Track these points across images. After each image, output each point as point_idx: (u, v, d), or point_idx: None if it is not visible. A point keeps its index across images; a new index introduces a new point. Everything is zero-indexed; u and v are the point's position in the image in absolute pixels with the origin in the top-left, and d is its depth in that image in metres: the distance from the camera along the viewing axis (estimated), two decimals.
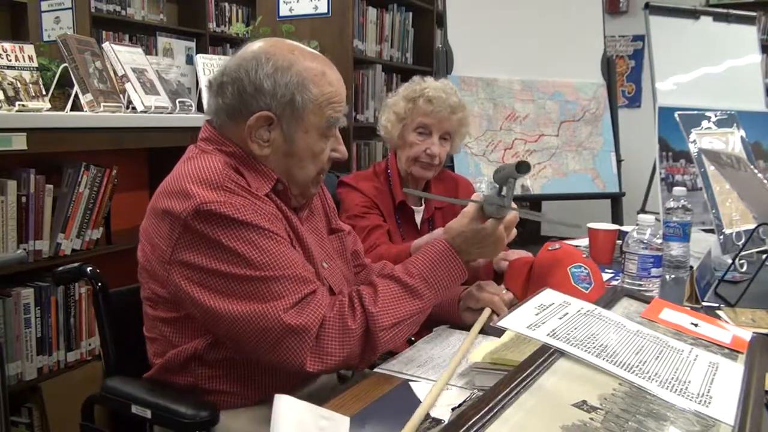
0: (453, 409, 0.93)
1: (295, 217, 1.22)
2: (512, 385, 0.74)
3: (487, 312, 1.30)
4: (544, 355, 0.83)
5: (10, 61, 2.01)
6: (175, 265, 1.08)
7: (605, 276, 1.70)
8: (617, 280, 1.64)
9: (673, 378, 0.83)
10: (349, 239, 1.43)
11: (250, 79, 1.12)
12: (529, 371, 0.78)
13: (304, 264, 1.13)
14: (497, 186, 1.21)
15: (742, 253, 1.68)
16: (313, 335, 1.06)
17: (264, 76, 1.11)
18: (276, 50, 1.14)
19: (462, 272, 1.20)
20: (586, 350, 0.85)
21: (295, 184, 1.20)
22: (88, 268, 1.31)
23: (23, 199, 1.93)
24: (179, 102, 2.44)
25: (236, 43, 4.89)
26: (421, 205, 1.91)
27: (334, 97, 1.15)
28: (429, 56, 4.11)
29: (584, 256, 1.43)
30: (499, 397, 0.72)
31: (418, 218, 1.89)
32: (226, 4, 5.44)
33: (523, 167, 1.14)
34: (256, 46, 1.16)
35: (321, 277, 1.21)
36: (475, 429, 0.66)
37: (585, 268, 1.38)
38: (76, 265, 1.33)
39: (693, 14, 3.23)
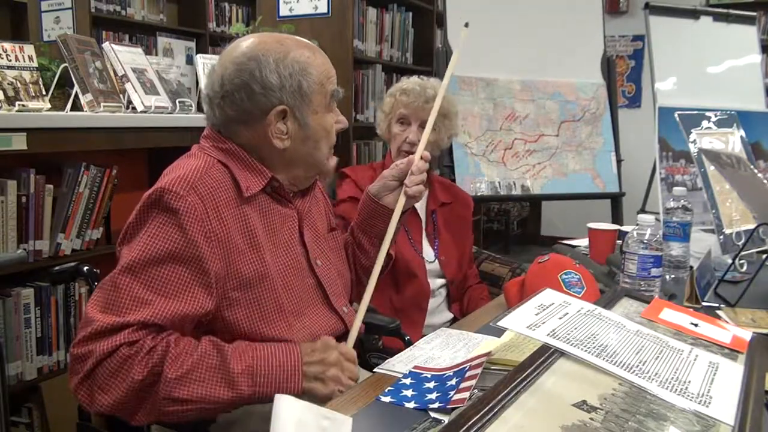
0: (453, 409, 0.93)
1: (293, 211, 1.24)
2: (512, 385, 0.74)
3: (403, 198, 1.35)
4: (544, 355, 0.83)
5: (10, 61, 2.01)
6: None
7: None
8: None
9: (673, 378, 0.83)
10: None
11: (257, 79, 1.13)
12: (529, 371, 0.78)
13: (173, 299, 1.02)
14: None
15: (742, 253, 1.68)
16: (91, 362, 0.97)
17: (269, 73, 1.13)
18: (266, 45, 1.16)
19: (297, 387, 1.04)
20: (586, 350, 0.85)
21: (314, 166, 1.23)
22: (85, 268, 1.32)
23: (23, 199, 1.93)
24: (179, 102, 2.44)
25: None
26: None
27: (329, 71, 1.21)
28: (429, 56, 4.11)
29: (575, 263, 1.43)
30: (499, 397, 0.72)
31: (418, 206, 1.91)
32: (226, 4, 5.44)
33: None
34: (244, 47, 1.16)
35: (314, 273, 1.24)
36: (475, 429, 0.66)
37: (575, 274, 1.38)
38: (72, 264, 1.33)
39: (693, 14, 3.24)
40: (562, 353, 0.84)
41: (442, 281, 1.91)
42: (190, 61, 4.22)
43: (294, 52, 1.16)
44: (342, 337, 1.28)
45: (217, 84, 1.16)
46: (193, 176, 1.08)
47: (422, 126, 1.86)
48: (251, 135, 1.17)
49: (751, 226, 1.73)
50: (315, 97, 1.17)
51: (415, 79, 1.93)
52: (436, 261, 1.89)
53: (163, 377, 0.97)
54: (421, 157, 1.38)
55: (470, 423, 0.66)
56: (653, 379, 0.82)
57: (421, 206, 1.93)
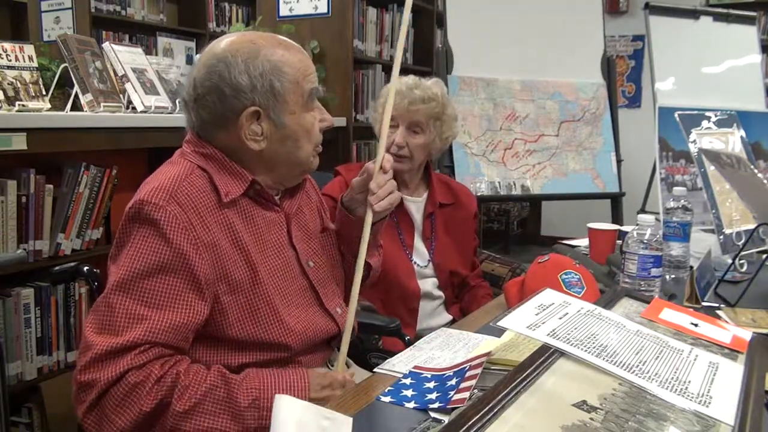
0: (453, 409, 0.93)
1: (279, 214, 1.21)
2: (512, 385, 0.74)
3: (370, 213, 1.25)
4: (544, 355, 0.83)
5: (10, 61, 2.01)
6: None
7: None
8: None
9: (673, 378, 0.83)
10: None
11: (226, 81, 1.11)
12: (529, 371, 0.78)
13: (168, 310, 1.02)
14: None
15: (742, 253, 1.68)
16: (97, 390, 0.97)
17: (238, 74, 1.11)
18: (238, 45, 1.14)
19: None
20: (586, 350, 0.85)
21: (298, 165, 1.20)
22: (85, 268, 1.32)
23: (23, 199, 1.93)
24: (179, 102, 2.44)
25: None
26: (420, 197, 1.91)
27: (306, 69, 1.17)
28: (429, 56, 4.11)
29: (575, 263, 1.43)
30: (499, 397, 0.72)
31: (414, 208, 1.89)
32: (226, 4, 5.44)
33: None
34: (218, 48, 1.15)
35: (306, 275, 1.23)
36: (475, 429, 0.66)
37: (575, 274, 1.38)
38: (72, 264, 1.34)
39: (693, 14, 3.24)
40: (562, 353, 0.84)
41: (437, 284, 1.89)
42: (190, 61, 4.22)
43: (266, 51, 1.13)
44: (335, 338, 1.28)
45: (191, 87, 1.15)
46: (172, 185, 1.07)
47: (410, 128, 1.83)
48: (228, 138, 1.14)
49: (751, 226, 1.73)
50: (290, 97, 1.14)
51: (407, 79, 1.88)
52: (430, 264, 1.87)
53: (171, 409, 0.97)
54: (381, 168, 1.26)
55: (470, 423, 0.66)
56: (653, 379, 0.82)
57: (417, 209, 1.90)
